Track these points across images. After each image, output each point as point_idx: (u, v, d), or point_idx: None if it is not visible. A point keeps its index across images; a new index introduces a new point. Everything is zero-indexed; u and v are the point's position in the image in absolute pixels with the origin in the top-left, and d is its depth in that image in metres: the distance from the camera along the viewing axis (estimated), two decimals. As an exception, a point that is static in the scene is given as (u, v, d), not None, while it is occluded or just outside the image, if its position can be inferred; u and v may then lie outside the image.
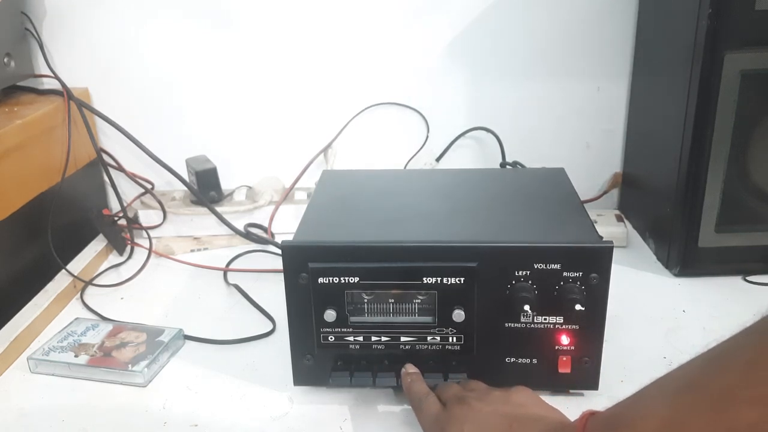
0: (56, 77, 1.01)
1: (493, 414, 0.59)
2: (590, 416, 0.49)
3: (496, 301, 0.65)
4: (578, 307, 0.62)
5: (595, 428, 0.48)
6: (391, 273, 0.64)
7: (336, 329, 0.67)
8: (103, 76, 1.08)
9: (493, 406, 0.60)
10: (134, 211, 1.07)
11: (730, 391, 0.38)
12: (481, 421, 0.58)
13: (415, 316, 0.66)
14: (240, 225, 1.05)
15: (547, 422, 0.57)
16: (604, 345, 0.66)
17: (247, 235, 1.04)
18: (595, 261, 0.63)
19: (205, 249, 1.05)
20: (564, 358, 0.66)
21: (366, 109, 1.10)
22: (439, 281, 0.64)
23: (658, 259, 0.96)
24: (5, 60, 0.97)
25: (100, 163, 1.04)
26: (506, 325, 0.66)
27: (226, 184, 1.10)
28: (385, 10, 1.05)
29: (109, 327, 0.83)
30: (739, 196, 0.86)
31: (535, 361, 0.67)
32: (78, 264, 0.97)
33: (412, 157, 1.11)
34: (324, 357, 0.68)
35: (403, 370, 0.67)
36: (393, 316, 0.66)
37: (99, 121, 1.05)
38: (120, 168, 1.08)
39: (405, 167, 1.11)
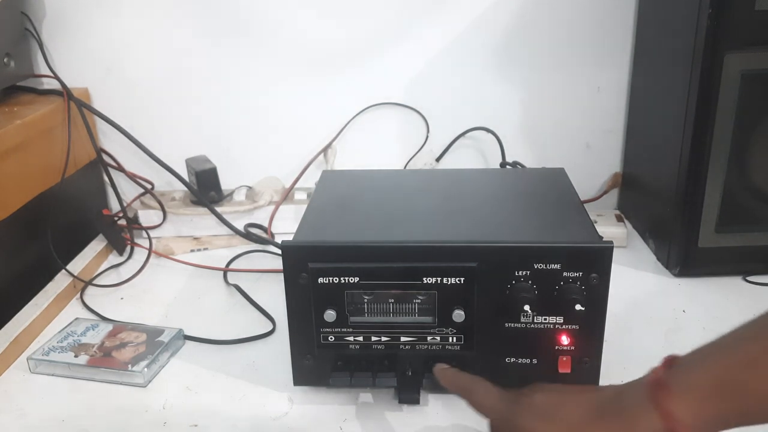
0: (56, 77, 1.01)
1: (568, 389, 0.54)
2: (667, 382, 0.46)
3: (496, 301, 0.65)
4: (578, 307, 0.62)
5: (680, 370, 0.46)
6: (391, 273, 0.64)
7: (336, 329, 0.67)
8: (103, 76, 1.08)
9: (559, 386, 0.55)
10: (134, 211, 1.07)
11: None
12: (557, 394, 0.53)
13: (415, 316, 0.66)
14: (240, 225, 1.05)
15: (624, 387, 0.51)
16: (604, 345, 0.66)
17: (247, 236, 1.04)
18: (595, 261, 0.63)
19: (205, 249, 1.05)
20: (564, 359, 0.66)
21: (366, 109, 1.10)
22: (439, 281, 0.64)
23: (659, 259, 0.96)
24: (5, 60, 0.97)
25: (99, 163, 1.04)
26: (506, 325, 0.66)
27: (226, 184, 1.10)
28: (385, 10, 1.05)
29: (109, 327, 0.83)
30: (739, 196, 0.86)
31: (535, 361, 0.67)
32: (78, 264, 0.97)
33: (412, 157, 1.11)
34: (324, 357, 0.68)
35: (436, 368, 0.64)
36: (393, 316, 0.66)
37: (99, 121, 1.05)
38: (120, 168, 1.08)
39: (405, 167, 1.11)
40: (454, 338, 0.66)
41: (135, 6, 1.05)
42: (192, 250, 1.05)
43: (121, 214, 1.02)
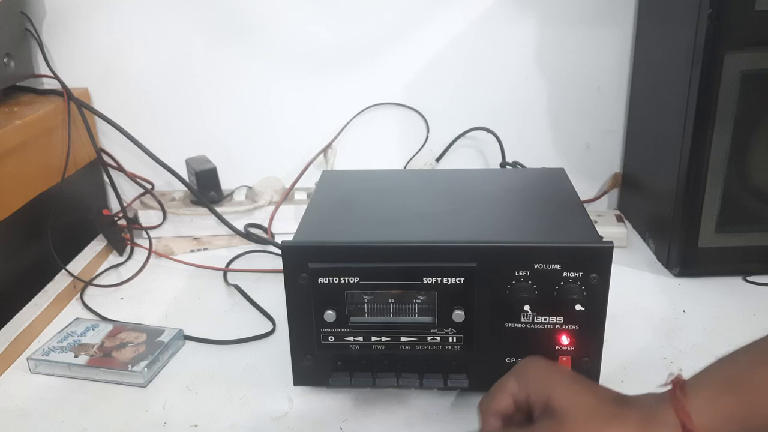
0: (56, 77, 1.01)
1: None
2: (683, 384, 0.49)
3: (496, 301, 0.65)
4: (578, 307, 0.62)
5: (705, 392, 0.48)
6: (391, 273, 0.64)
7: (336, 329, 0.67)
8: (103, 76, 1.08)
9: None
10: (134, 211, 1.07)
11: None
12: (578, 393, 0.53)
13: (415, 316, 0.66)
14: (240, 225, 1.05)
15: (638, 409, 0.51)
16: (604, 345, 0.66)
17: (247, 236, 1.04)
18: (595, 261, 0.63)
19: (205, 249, 1.05)
20: (564, 359, 0.66)
21: (366, 109, 1.10)
22: (439, 281, 0.64)
23: (658, 259, 0.96)
24: (5, 60, 0.97)
25: (99, 164, 1.04)
26: (506, 325, 0.66)
27: (226, 184, 1.10)
28: (385, 10, 1.05)
29: (109, 327, 0.83)
30: (739, 196, 0.86)
31: (535, 361, 0.67)
32: (78, 264, 0.97)
33: (412, 157, 1.11)
34: (324, 357, 0.68)
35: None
36: (393, 316, 0.66)
37: (99, 122, 1.05)
38: (120, 168, 1.08)
39: (405, 167, 1.11)
40: (454, 338, 0.66)
41: (135, 6, 1.05)
42: (192, 250, 1.05)
43: (121, 214, 1.02)
